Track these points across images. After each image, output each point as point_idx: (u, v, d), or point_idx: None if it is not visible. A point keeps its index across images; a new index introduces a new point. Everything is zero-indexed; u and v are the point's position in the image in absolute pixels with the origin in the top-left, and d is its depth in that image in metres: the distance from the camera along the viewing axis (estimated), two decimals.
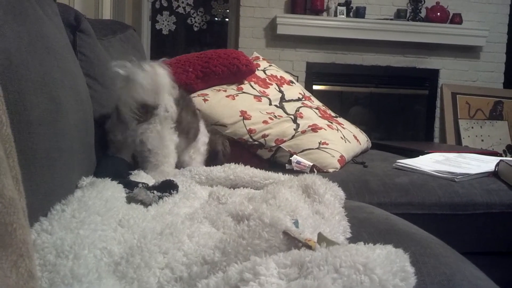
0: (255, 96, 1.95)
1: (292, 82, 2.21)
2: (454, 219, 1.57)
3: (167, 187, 1.09)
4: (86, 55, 1.33)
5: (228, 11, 5.26)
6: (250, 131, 1.82)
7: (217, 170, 1.38)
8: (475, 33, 4.28)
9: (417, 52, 4.38)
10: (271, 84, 2.07)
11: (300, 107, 2.01)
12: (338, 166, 1.77)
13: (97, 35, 1.47)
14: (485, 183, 1.66)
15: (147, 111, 1.28)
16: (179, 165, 1.46)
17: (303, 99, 2.11)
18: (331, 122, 2.01)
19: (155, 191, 1.04)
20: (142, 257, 0.74)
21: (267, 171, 1.38)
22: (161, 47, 5.51)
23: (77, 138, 1.01)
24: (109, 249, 0.76)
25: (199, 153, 1.58)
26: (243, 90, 1.96)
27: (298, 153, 1.79)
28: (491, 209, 1.58)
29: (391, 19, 4.29)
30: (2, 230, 0.43)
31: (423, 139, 4.55)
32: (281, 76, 2.18)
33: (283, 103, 1.99)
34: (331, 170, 1.74)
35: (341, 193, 1.19)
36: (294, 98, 2.06)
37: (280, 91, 2.05)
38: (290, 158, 1.74)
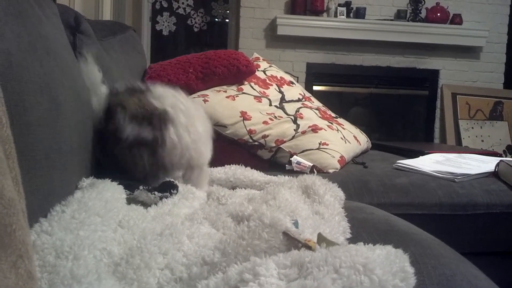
0: (255, 97, 1.95)
1: (292, 82, 2.21)
2: (454, 219, 1.57)
3: (167, 188, 1.09)
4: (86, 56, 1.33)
5: (228, 12, 5.27)
6: (250, 132, 1.82)
7: (217, 172, 1.38)
8: (475, 33, 4.28)
9: (417, 53, 4.38)
10: (271, 85, 2.07)
11: (300, 107, 2.01)
12: (338, 166, 1.77)
13: (97, 36, 1.47)
14: (485, 183, 1.66)
15: None
16: None
17: (303, 99, 2.11)
18: (331, 123, 2.01)
19: (156, 192, 1.04)
20: (142, 257, 0.74)
21: (267, 175, 1.38)
22: (161, 48, 5.51)
23: (77, 139, 1.01)
24: (109, 250, 0.76)
25: None
26: (243, 91, 1.96)
27: (298, 153, 1.79)
28: (491, 210, 1.58)
29: (391, 20, 4.29)
30: (2, 231, 0.43)
31: (423, 139, 4.55)
32: (281, 77, 2.18)
33: (283, 104, 1.99)
34: (331, 171, 1.74)
35: (340, 194, 1.19)
36: (294, 99, 2.06)
37: (280, 92, 2.05)
38: (290, 159, 1.74)
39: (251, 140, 1.83)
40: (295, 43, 4.25)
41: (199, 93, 1.92)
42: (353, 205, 1.23)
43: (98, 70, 1.23)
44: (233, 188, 1.36)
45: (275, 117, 1.90)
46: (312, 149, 1.80)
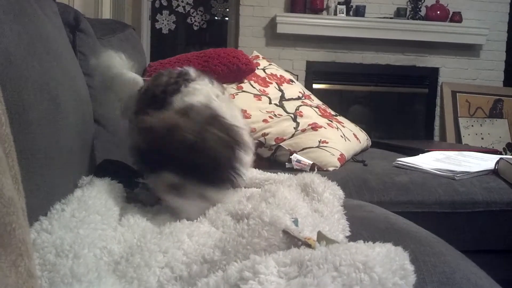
0: (255, 95, 1.95)
1: (292, 81, 2.21)
2: (454, 217, 1.57)
3: None
4: (86, 54, 1.33)
5: (228, 10, 5.26)
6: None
7: None
8: (475, 31, 4.28)
9: (417, 51, 4.38)
10: (271, 83, 2.07)
11: (300, 105, 2.01)
12: (338, 164, 1.77)
13: (96, 34, 1.47)
14: (485, 181, 1.66)
15: None
16: None
17: (303, 97, 2.11)
18: (331, 121, 2.01)
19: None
20: (142, 256, 0.74)
21: (266, 172, 1.38)
22: (161, 46, 5.51)
23: (76, 137, 1.01)
24: (109, 248, 0.76)
25: None
26: (243, 89, 1.96)
27: (298, 151, 1.79)
28: (491, 207, 1.58)
29: (391, 18, 4.29)
30: (1, 229, 0.43)
31: (423, 137, 4.55)
32: (281, 75, 2.18)
33: (283, 102, 1.99)
34: (331, 169, 1.74)
35: (340, 192, 1.18)
36: (294, 97, 2.06)
37: (280, 90, 2.05)
38: (290, 157, 1.74)
39: None
40: (295, 41, 4.25)
41: None
42: (353, 203, 1.23)
43: (120, 57, 1.22)
44: None
45: (275, 115, 1.90)
46: (312, 147, 1.80)
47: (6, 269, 0.43)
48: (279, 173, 1.38)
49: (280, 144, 1.82)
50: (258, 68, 2.12)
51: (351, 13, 4.26)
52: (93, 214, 0.81)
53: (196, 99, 1.00)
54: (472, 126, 4.37)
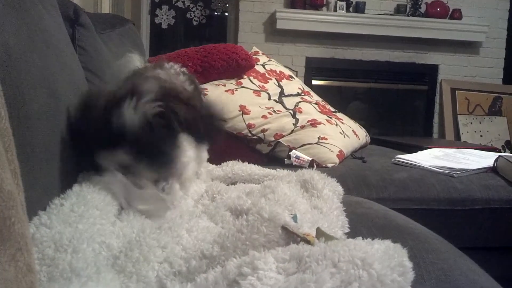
0: (254, 91, 1.95)
1: (292, 77, 2.21)
2: (452, 214, 1.58)
3: None
4: (85, 49, 1.33)
5: (227, 5, 5.25)
6: (249, 126, 1.82)
7: (216, 169, 1.38)
8: (474, 28, 4.27)
9: (417, 48, 4.37)
10: (270, 79, 2.06)
11: (299, 102, 2.01)
12: (337, 161, 1.78)
13: (96, 29, 1.47)
14: (483, 178, 1.67)
15: None
16: None
17: (302, 94, 2.11)
18: (330, 117, 2.01)
19: None
20: (140, 251, 0.74)
21: (265, 168, 1.38)
22: (160, 42, 5.49)
23: None
24: (107, 243, 0.76)
25: None
26: (242, 85, 1.96)
27: (297, 148, 1.79)
28: (490, 205, 1.59)
29: (390, 14, 4.28)
30: (1, 224, 0.43)
31: (422, 134, 4.55)
32: (280, 71, 2.18)
33: (282, 98, 1.99)
34: (330, 165, 1.74)
35: (339, 189, 1.19)
36: (293, 93, 2.06)
37: (279, 86, 2.05)
38: (289, 153, 1.74)
39: (250, 134, 1.83)
40: (295, 37, 4.24)
41: None
42: (352, 200, 1.23)
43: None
44: (233, 183, 1.36)
45: (274, 111, 1.90)
46: (311, 144, 1.80)
47: (5, 264, 0.43)
48: (278, 169, 1.38)
49: (279, 140, 1.82)
50: (257, 64, 2.12)
51: (351, 9, 4.25)
52: (92, 209, 0.81)
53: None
54: (471, 123, 4.37)
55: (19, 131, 0.73)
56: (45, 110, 0.84)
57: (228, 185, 1.34)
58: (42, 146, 0.81)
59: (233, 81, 1.97)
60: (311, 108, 2.01)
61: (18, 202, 0.47)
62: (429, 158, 1.85)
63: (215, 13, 5.68)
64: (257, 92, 1.94)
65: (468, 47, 4.41)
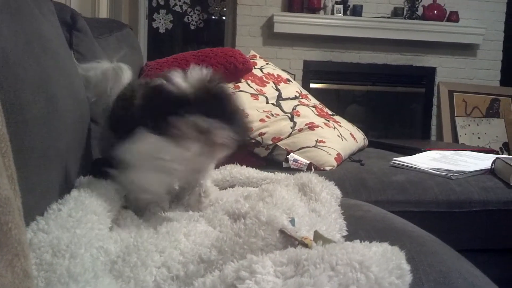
0: (252, 95, 1.95)
1: (289, 80, 2.21)
2: (450, 216, 1.58)
3: None
4: (83, 53, 1.33)
5: (225, 9, 5.26)
6: None
7: (214, 173, 1.38)
8: (471, 31, 4.28)
9: (414, 50, 4.38)
10: (268, 83, 2.07)
11: (297, 105, 2.01)
12: (335, 164, 1.78)
13: (93, 33, 1.47)
14: (481, 180, 1.67)
15: None
16: None
17: (300, 97, 2.11)
18: (328, 120, 2.02)
19: None
20: (138, 256, 0.74)
21: (263, 172, 1.38)
22: (158, 46, 5.50)
23: (73, 137, 1.01)
24: (105, 248, 0.76)
25: None
26: (240, 89, 1.96)
27: (295, 151, 1.79)
28: (488, 207, 1.59)
29: (388, 17, 4.29)
30: None
31: (420, 137, 4.55)
32: (278, 75, 2.18)
33: (280, 102, 1.99)
34: (328, 168, 1.75)
35: (337, 192, 1.19)
36: (291, 97, 2.06)
37: (277, 90, 2.05)
38: (287, 156, 1.75)
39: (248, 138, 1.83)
40: (292, 40, 4.24)
41: None
42: (350, 203, 1.23)
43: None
44: (231, 186, 1.36)
45: (272, 114, 1.90)
46: (309, 147, 1.80)
47: (2, 269, 0.43)
48: (276, 172, 1.38)
49: (277, 143, 1.83)
50: (255, 68, 2.12)
51: (348, 12, 4.26)
52: (90, 214, 0.81)
53: None
54: (469, 125, 4.38)
55: (17, 136, 0.73)
56: (42, 115, 0.84)
57: (226, 188, 1.34)
58: (39, 151, 0.81)
59: (231, 85, 1.97)
60: (309, 111, 2.01)
61: (15, 207, 0.47)
62: (427, 160, 1.86)
63: (213, 17, 5.69)
64: (254, 96, 1.95)
65: (465, 49, 4.42)
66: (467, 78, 4.47)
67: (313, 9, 4.18)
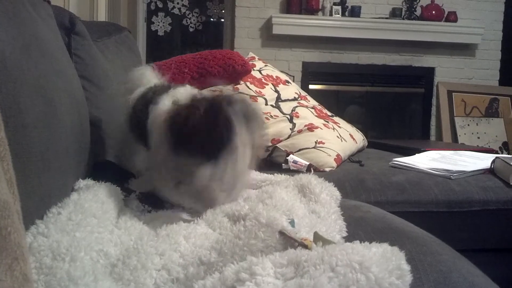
0: (251, 96, 1.95)
1: (288, 82, 2.21)
2: (450, 216, 1.58)
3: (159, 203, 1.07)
4: (81, 57, 1.33)
5: (223, 11, 5.26)
6: None
7: None
8: (470, 31, 4.28)
9: (413, 51, 4.38)
10: (267, 84, 2.07)
11: (296, 106, 2.01)
12: (335, 165, 1.78)
13: (92, 37, 1.47)
14: (481, 180, 1.67)
15: None
16: None
17: (299, 98, 2.11)
18: (327, 121, 2.02)
19: (146, 205, 1.04)
20: (138, 258, 0.74)
21: (263, 173, 1.38)
22: (157, 48, 5.51)
23: (72, 140, 1.01)
24: (105, 251, 0.76)
25: None
26: (239, 91, 1.96)
27: (295, 152, 1.79)
28: (487, 206, 1.59)
29: (386, 18, 4.29)
30: None
31: (419, 137, 4.56)
32: (276, 76, 2.18)
33: (279, 103, 1.99)
34: (327, 169, 1.75)
35: (337, 193, 1.19)
36: (290, 98, 2.06)
37: (276, 91, 2.05)
38: (287, 158, 1.75)
39: None
40: (291, 42, 4.25)
41: None
42: (350, 204, 1.23)
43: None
44: None
45: (271, 116, 1.90)
46: (309, 148, 1.80)
47: (1, 273, 0.43)
48: (275, 174, 1.38)
49: (277, 145, 1.83)
50: (254, 69, 2.12)
51: (346, 13, 4.26)
52: (90, 217, 0.81)
53: None
54: (468, 125, 4.38)
55: (15, 140, 0.73)
56: (41, 119, 0.84)
57: None
58: (38, 155, 0.81)
59: (230, 87, 1.97)
60: (308, 112, 2.01)
61: (14, 211, 0.47)
62: (426, 160, 1.86)
63: (211, 19, 5.70)
64: (254, 98, 1.95)
65: (464, 49, 4.42)
66: (466, 78, 4.48)
67: (312, 11, 4.18)
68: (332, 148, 1.83)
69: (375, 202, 1.46)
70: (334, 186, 1.21)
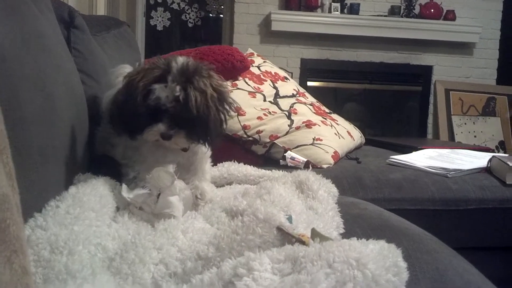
0: (250, 92, 1.95)
1: (287, 78, 2.21)
2: (446, 214, 1.58)
3: None
4: (80, 51, 1.32)
5: (222, 7, 5.25)
6: (244, 127, 1.82)
7: (212, 169, 1.38)
8: (468, 29, 4.29)
9: (411, 49, 4.39)
10: (266, 81, 2.07)
11: (295, 103, 2.01)
12: (332, 162, 1.78)
13: (91, 31, 1.46)
14: (477, 179, 1.67)
15: None
16: None
17: (298, 95, 2.11)
18: (325, 118, 2.02)
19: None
20: (136, 252, 0.74)
21: (261, 169, 1.38)
22: (156, 43, 5.49)
23: (71, 134, 1.01)
24: (103, 245, 0.76)
25: None
26: (238, 87, 1.96)
27: (293, 149, 1.79)
28: (484, 205, 1.59)
29: (385, 16, 4.29)
30: None
31: (417, 135, 4.56)
32: (275, 73, 2.18)
33: (278, 99, 1.99)
34: (325, 166, 1.75)
35: (334, 190, 1.19)
36: (288, 94, 2.06)
37: (275, 87, 2.05)
38: (285, 154, 1.75)
39: (245, 136, 1.83)
40: (290, 38, 4.24)
41: None
42: (347, 201, 1.23)
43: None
44: (229, 184, 1.36)
45: (270, 112, 1.90)
46: (306, 145, 1.81)
47: (0, 266, 0.43)
48: (273, 170, 1.38)
49: (275, 141, 1.83)
50: (252, 66, 2.12)
51: (345, 10, 4.26)
52: (88, 211, 0.81)
53: None
54: (465, 124, 4.39)
55: (14, 133, 0.73)
56: (40, 113, 0.84)
57: (223, 185, 1.34)
58: (37, 148, 0.81)
59: (229, 83, 1.97)
60: (306, 109, 2.01)
61: (13, 204, 0.47)
62: (423, 158, 1.86)
63: (210, 14, 5.68)
64: (252, 94, 1.95)
65: (462, 48, 4.42)
66: (463, 76, 4.48)
67: (311, 7, 4.18)
68: (329, 145, 1.83)
69: (372, 199, 1.47)
70: (332, 183, 1.21)
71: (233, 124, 1.82)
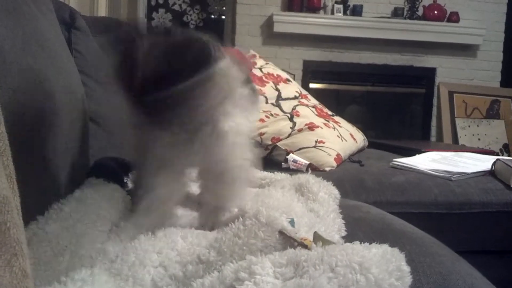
0: None
1: (289, 80, 2.21)
2: (450, 218, 1.57)
3: None
4: (81, 52, 1.32)
5: (224, 8, 5.26)
6: None
7: None
8: (472, 31, 4.28)
9: (414, 51, 4.38)
10: (268, 83, 2.06)
11: (297, 105, 2.01)
12: (335, 164, 1.78)
13: (92, 32, 1.46)
14: (481, 182, 1.67)
15: None
16: None
17: (300, 97, 2.11)
18: (328, 121, 2.01)
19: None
20: (136, 255, 0.74)
21: (262, 171, 1.38)
22: None
23: (72, 136, 1.01)
24: (104, 249, 0.76)
25: None
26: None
27: (295, 151, 1.79)
28: (488, 208, 1.59)
29: (388, 18, 4.29)
30: None
31: (420, 137, 4.55)
32: (277, 74, 2.18)
33: (280, 102, 1.99)
34: (327, 169, 1.74)
35: (335, 192, 1.19)
36: (290, 97, 2.06)
37: (277, 90, 2.05)
38: (287, 157, 1.74)
39: None
40: (292, 40, 4.24)
41: None
42: (349, 204, 1.23)
43: None
44: None
45: (272, 114, 1.90)
46: (309, 147, 1.80)
47: (0, 269, 0.42)
48: (276, 172, 1.38)
49: (277, 144, 1.82)
50: (254, 67, 2.11)
51: (348, 12, 4.25)
52: (91, 215, 0.80)
53: None
54: (469, 126, 4.38)
55: (15, 135, 0.73)
56: (41, 114, 0.83)
57: None
58: (38, 151, 0.81)
59: None
60: (309, 111, 2.01)
61: (14, 206, 0.46)
62: (426, 161, 1.85)
63: (212, 16, 5.69)
64: None
65: (466, 50, 4.42)
66: (467, 79, 4.48)
67: (313, 9, 4.18)
68: (332, 147, 1.83)
69: (374, 203, 1.46)
70: (333, 186, 1.21)
71: None
